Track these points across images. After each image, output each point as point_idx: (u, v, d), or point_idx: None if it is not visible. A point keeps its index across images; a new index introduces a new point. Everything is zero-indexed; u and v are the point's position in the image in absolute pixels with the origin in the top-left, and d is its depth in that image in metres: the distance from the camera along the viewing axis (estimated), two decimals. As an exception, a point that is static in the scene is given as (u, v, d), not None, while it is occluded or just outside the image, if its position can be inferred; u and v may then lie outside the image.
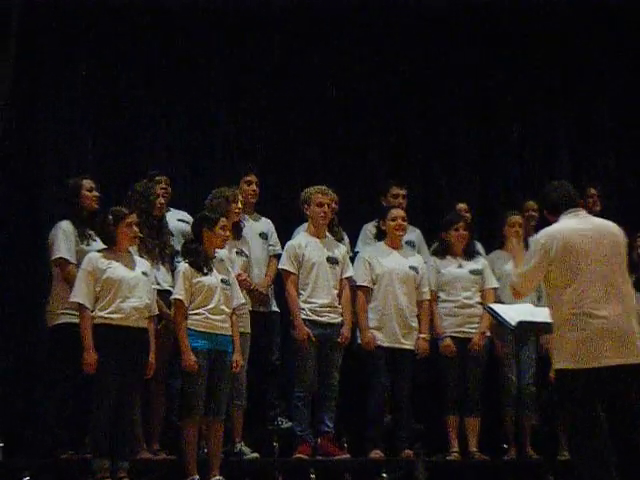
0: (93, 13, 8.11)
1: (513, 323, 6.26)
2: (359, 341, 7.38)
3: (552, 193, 5.73)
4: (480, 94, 9.22)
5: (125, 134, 8.29)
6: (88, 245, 6.82)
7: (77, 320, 6.58)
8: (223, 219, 6.76)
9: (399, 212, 7.57)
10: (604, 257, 5.51)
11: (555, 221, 5.68)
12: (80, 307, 6.39)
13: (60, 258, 6.75)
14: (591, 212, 6.39)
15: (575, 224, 5.57)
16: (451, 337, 7.48)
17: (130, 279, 6.45)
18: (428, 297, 7.53)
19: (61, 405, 6.68)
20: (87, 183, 6.99)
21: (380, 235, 7.65)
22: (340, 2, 8.75)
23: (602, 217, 5.90)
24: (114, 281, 6.41)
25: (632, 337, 5.48)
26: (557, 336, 5.55)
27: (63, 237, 6.77)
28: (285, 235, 7.68)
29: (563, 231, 5.55)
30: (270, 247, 7.62)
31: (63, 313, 6.71)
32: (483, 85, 9.21)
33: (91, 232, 6.85)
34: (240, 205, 7.15)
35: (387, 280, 7.38)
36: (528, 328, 6.76)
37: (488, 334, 7.53)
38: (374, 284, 7.40)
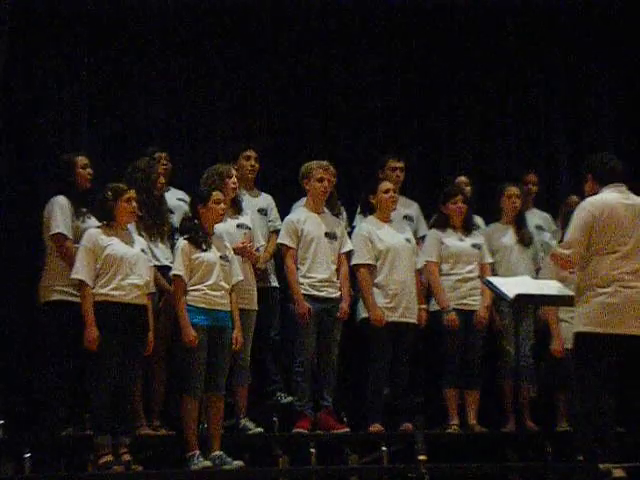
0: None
1: (511, 296, 6.29)
2: (362, 315, 7.38)
3: (604, 163, 5.95)
4: (479, 66, 9.17)
5: (122, 110, 8.25)
6: (83, 222, 6.80)
7: (71, 298, 6.63)
8: (216, 193, 6.74)
9: (389, 184, 7.54)
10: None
11: (595, 191, 5.82)
12: (81, 284, 6.40)
13: (58, 234, 6.72)
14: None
15: (619, 197, 5.74)
16: (454, 310, 7.46)
17: (131, 256, 6.47)
18: (420, 266, 7.53)
19: (60, 382, 6.68)
20: (81, 160, 6.95)
21: (367, 209, 7.61)
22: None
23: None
24: (115, 258, 6.42)
25: None
26: (583, 300, 5.69)
27: (60, 212, 6.74)
28: (284, 210, 7.66)
29: (608, 201, 5.78)
30: (270, 223, 7.62)
31: (58, 290, 6.70)
32: (481, 58, 9.16)
33: (84, 209, 6.83)
34: (235, 180, 7.11)
35: (391, 255, 7.36)
36: (526, 301, 6.78)
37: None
38: (376, 261, 7.38)
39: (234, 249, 6.88)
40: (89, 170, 6.97)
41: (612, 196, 5.81)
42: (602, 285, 5.67)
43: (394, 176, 7.83)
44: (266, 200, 7.70)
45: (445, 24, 9.04)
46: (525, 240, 7.84)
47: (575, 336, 5.86)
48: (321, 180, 7.30)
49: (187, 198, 7.27)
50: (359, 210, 7.88)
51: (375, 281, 7.35)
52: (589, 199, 5.89)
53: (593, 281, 5.71)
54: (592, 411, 5.63)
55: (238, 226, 7.15)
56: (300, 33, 8.78)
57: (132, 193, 6.57)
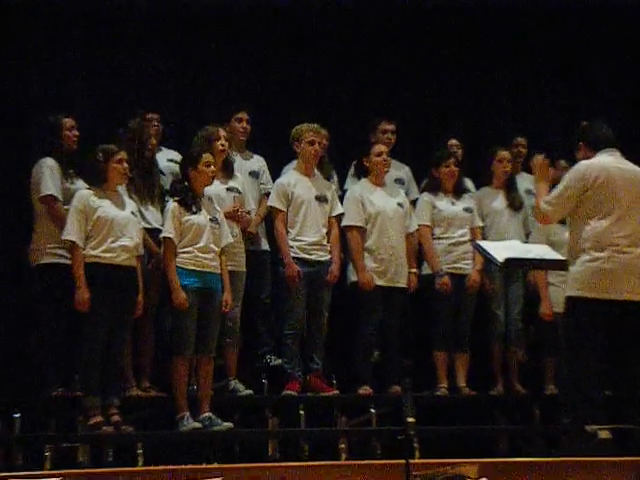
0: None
1: (500, 260, 6.30)
2: (352, 279, 7.39)
3: (597, 129, 5.98)
4: (471, 30, 9.11)
5: (113, 71, 8.23)
6: (72, 184, 6.80)
7: (62, 260, 6.65)
8: (207, 155, 6.73)
9: (382, 147, 7.51)
10: (635, 196, 5.66)
11: (588, 157, 5.82)
12: (72, 245, 6.41)
13: (49, 195, 6.72)
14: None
15: (614, 161, 5.75)
16: (446, 274, 7.47)
17: (121, 219, 6.48)
18: (412, 230, 7.52)
19: (50, 343, 6.71)
20: (68, 122, 6.94)
21: (361, 172, 7.60)
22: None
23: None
24: (106, 220, 6.42)
25: None
26: (577, 264, 5.70)
27: (49, 174, 6.73)
28: (276, 173, 7.66)
29: (604, 164, 5.79)
30: (262, 185, 7.61)
31: (48, 252, 6.72)
32: (474, 22, 9.10)
33: (72, 171, 6.82)
34: (224, 142, 7.08)
35: (380, 219, 7.35)
36: (515, 265, 6.80)
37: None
38: (367, 224, 7.38)
39: (225, 213, 6.88)
40: (75, 132, 6.96)
41: (607, 160, 5.82)
42: (596, 249, 5.67)
43: (385, 138, 7.81)
44: (258, 162, 7.68)
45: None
46: (515, 204, 7.84)
47: (567, 300, 5.87)
48: (312, 143, 7.27)
49: (178, 158, 7.25)
50: (352, 173, 7.88)
51: (365, 245, 7.35)
52: (585, 162, 5.88)
53: (587, 245, 5.71)
54: (580, 374, 5.66)
55: (228, 189, 7.14)
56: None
57: (123, 154, 6.56)
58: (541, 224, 6.27)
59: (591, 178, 5.74)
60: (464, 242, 7.56)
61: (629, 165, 5.91)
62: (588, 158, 5.93)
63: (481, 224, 7.68)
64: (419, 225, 7.56)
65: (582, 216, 5.77)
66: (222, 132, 7.08)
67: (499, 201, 7.82)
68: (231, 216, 6.96)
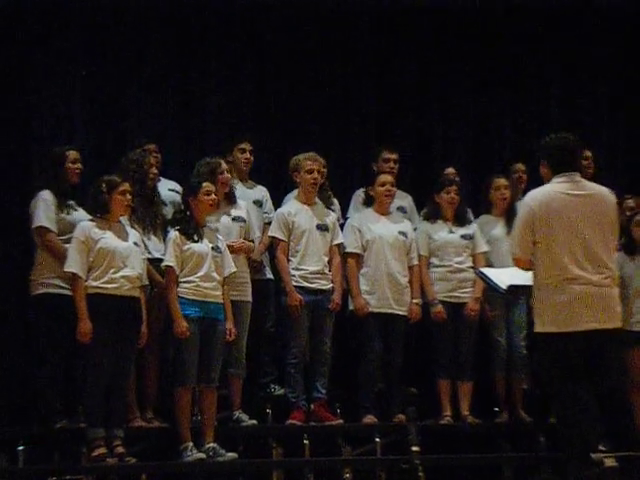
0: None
1: (504, 287, 6.27)
2: (351, 307, 7.40)
3: (558, 150, 5.69)
4: (474, 58, 9.14)
5: (114, 102, 8.26)
6: (69, 214, 6.82)
7: (58, 290, 6.67)
8: (206, 184, 6.76)
9: (387, 177, 7.55)
10: (589, 222, 5.56)
11: (548, 177, 5.68)
12: (74, 277, 6.42)
13: (40, 227, 6.75)
14: (586, 174, 6.33)
15: (564, 188, 5.60)
16: (444, 302, 7.46)
17: (123, 249, 6.49)
18: (417, 262, 7.52)
19: (54, 375, 6.70)
20: (72, 154, 6.99)
21: (368, 201, 7.64)
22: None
23: (594, 180, 5.97)
24: (107, 251, 6.43)
25: (611, 302, 5.60)
26: (538, 299, 5.60)
27: (43, 206, 6.77)
28: (278, 202, 7.67)
29: (550, 194, 5.60)
30: (265, 215, 7.63)
31: (46, 283, 6.73)
32: (476, 49, 9.13)
33: (71, 202, 6.84)
34: (227, 174, 7.09)
35: (377, 246, 7.38)
36: (519, 291, 6.77)
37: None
38: (364, 250, 7.40)
39: (229, 247, 6.88)
40: (79, 165, 7.01)
41: (558, 187, 5.62)
42: (551, 283, 5.52)
43: (387, 168, 7.83)
44: (261, 192, 7.72)
45: (439, 16, 9.00)
46: (515, 231, 7.81)
47: (536, 337, 5.77)
48: (310, 171, 7.30)
49: (178, 188, 7.31)
50: (355, 201, 7.91)
51: (362, 271, 7.38)
52: (530, 193, 5.71)
53: (543, 278, 5.56)
54: (570, 408, 5.56)
55: (234, 219, 7.16)
56: (292, 25, 8.75)
57: (126, 186, 6.59)
58: (518, 266, 6.10)
59: (536, 210, 5.55)
60: (462, 270, 7.54)
61: (588, 189, 5.67)
62: (548, 179, 5.77)
63: (485, 249, 7.64)
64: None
65: (537, 250, 5.64)
66: (224, 165, 7.11)
67: (499, 229, 7.80)
68: (234, 250, 6.96)
